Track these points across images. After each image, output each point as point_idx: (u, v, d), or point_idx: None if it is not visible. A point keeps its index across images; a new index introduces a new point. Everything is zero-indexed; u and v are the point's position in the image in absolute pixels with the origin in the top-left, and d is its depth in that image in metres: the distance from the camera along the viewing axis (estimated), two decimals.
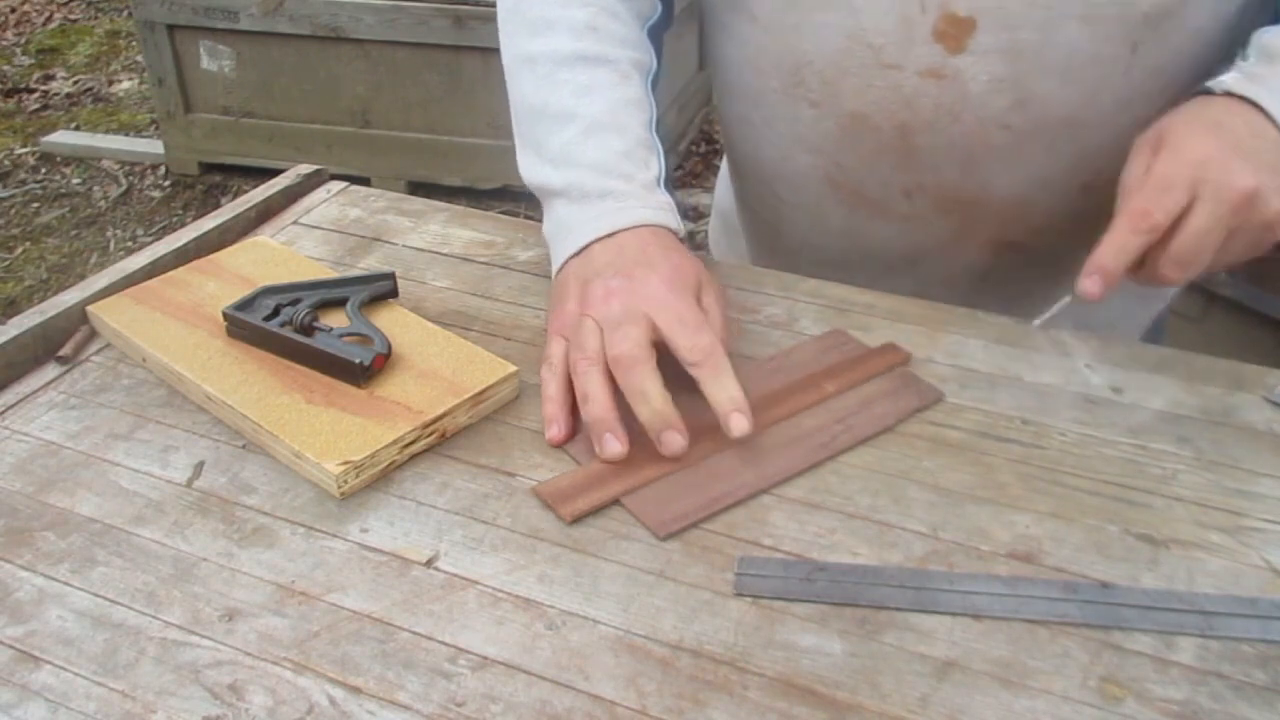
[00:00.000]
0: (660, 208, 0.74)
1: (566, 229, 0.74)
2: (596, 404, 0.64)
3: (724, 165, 1.08)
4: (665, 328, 0.65)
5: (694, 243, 2.79)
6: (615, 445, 0.63)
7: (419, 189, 2.88)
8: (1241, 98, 0.67)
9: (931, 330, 0.77)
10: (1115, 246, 0.64)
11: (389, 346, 0.70)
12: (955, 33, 0.73)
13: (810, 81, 0.79)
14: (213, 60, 2.95)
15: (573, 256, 0.73)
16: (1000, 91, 0.74)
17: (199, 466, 0.65)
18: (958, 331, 0.77)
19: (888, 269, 0.88)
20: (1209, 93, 0.69)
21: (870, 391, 0.71)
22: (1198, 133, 0.65)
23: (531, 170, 0.79)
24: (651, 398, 0.63)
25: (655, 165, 0.77)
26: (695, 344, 0.65)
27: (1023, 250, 0.84)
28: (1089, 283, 0.65)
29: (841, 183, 0.84)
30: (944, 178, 0.80)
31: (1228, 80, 0.69)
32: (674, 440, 0.63)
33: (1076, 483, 0.64)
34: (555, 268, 0.75)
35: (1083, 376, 0.73)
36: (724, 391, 0.64)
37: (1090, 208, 0.78)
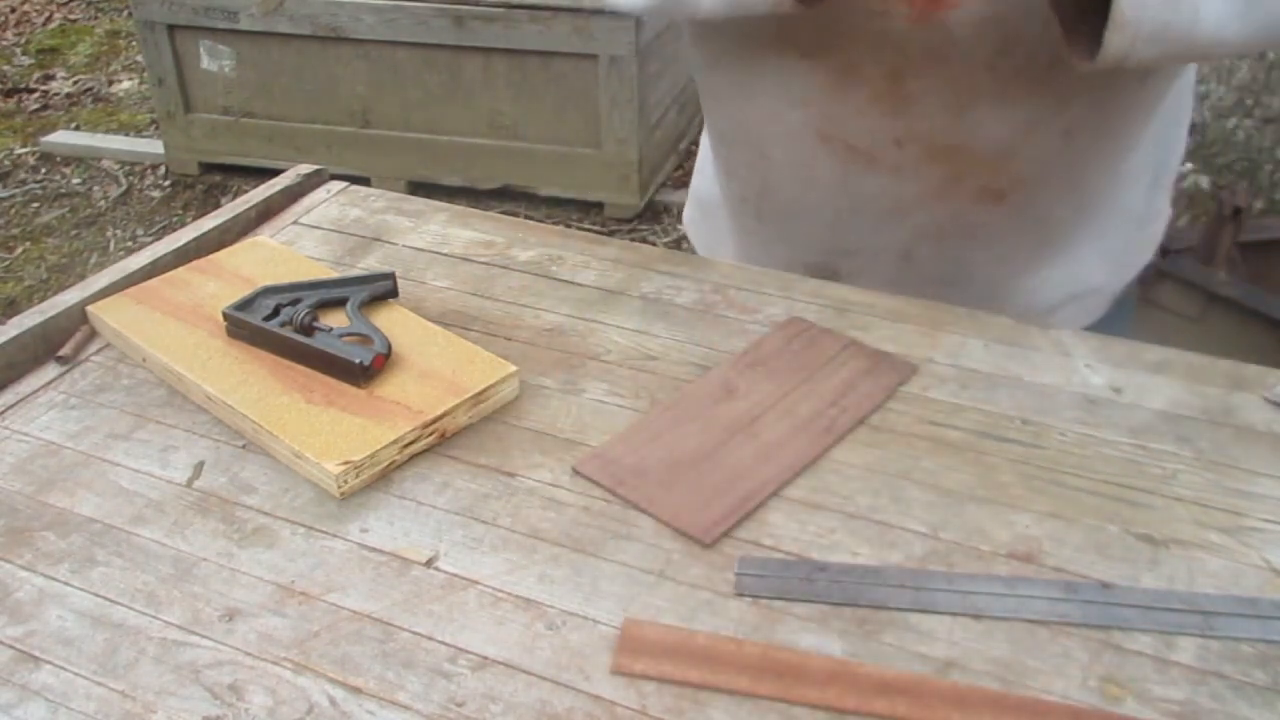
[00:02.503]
0: None
1: None
2: None
3: (702, 151, 1.09)
4: None
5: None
6: None
7: (419, 189, 2.88)
8: None
9: (931, 330, 0.77)
10: None
11: (389, 346, 0.70)
12: None
13: (800, 34, 0.81)
14: (213, 60, 2.95)
15: None
16: (985, 33, 0.76)
17: (199, 466, 0.65)
18: (958, 331, 0.77)
19: (878, 222, 0.89)
20: None
21: (847, 374, 0.72)
22: None
23: None
24: None
25: None
26: None
27: (1006, 200, 0.86)
28: None
29: (831, 135, 0.85)
30: (934, 123, 0.81)
31: None
32: None
33: (1076, 483, 0.64)
34: None
35: (1083, 376, 0.73)
36: None
37: (1071, 154, 0.81)
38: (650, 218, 2.89)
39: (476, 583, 0.57)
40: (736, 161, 0.96)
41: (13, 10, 4.41)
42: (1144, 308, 1.50)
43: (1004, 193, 0.84)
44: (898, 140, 0.82)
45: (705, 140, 1.05)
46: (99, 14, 4.44)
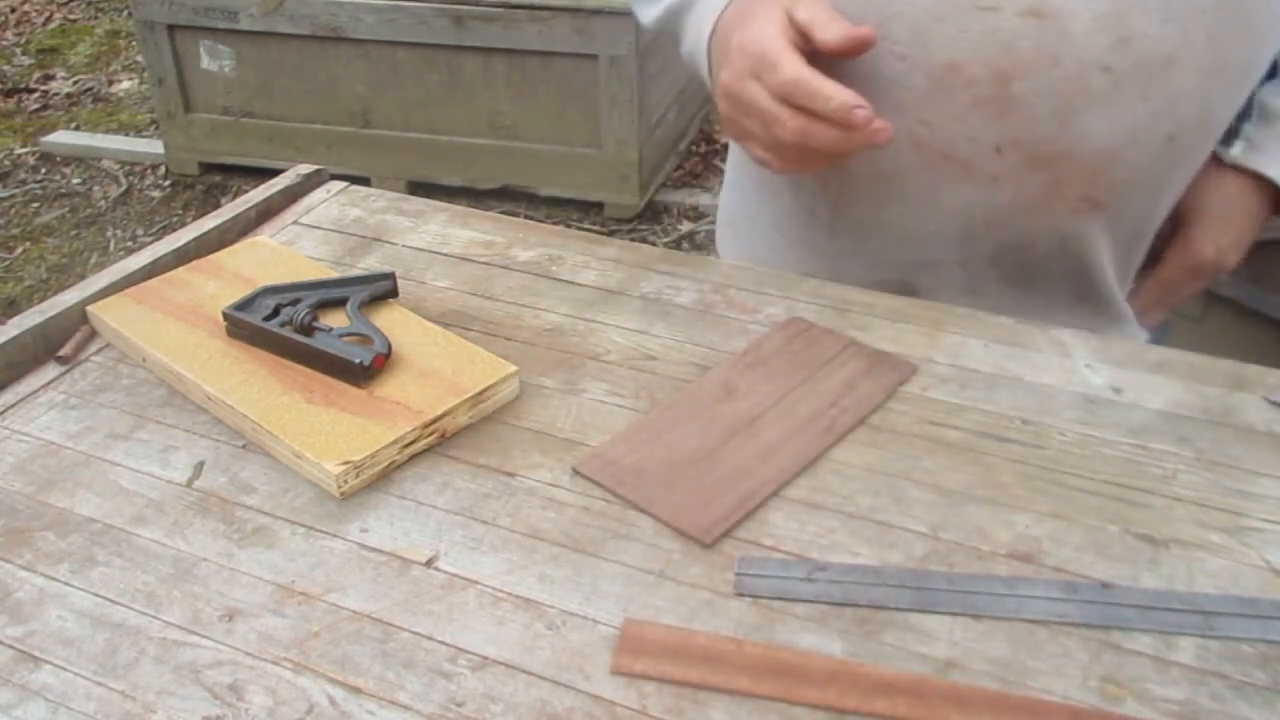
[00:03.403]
0: None
1: (695, 32, 0.81)
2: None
3: (733, 170, 1.05)
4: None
5: (694, 243, 2.79)
6: (861, 109, 0.67)
7: (419, 189, 2.88)
8: (1247, 170, 0.80)
9: (931, 330, 0.77)
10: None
11: (389, 346, 0.70)
12: None
13: (898, 33, 0.76)
14: (213, 60, 2.96)
15: (710, 48, 0.78)
16: (1102, 30, 0.72)
17: (199, 466, 0.65)
18: (958, 331, 0.77)
19: (965, 235, 0.84)
20: (1219, 161, 0.79)
21: (847, 374, 0.72)
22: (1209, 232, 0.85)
23: (650, 11, 0.88)
24: (830, 91, 0.66)
25: None
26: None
27: (1103, 209, 0.82)
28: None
29: (926, 142, 0.80)
30: (1039, 130, 0.77)
31: (1235, 152, 0.80)
32: (864, 113, 0.67)
33: (1076, 483, 0.64)
34: (706, 73, 0.80)
35: (1083, 376, 0.73)
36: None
37: (1170, 162, 0.79)
38: (650, 218, 2.90)
39: (476, 583, 0.57)
40: (797, 181, 0.91)
41: (13, 10, 4.41)
42: None
43: (1101, 201, 0.81)
44: (998, 147, 0.78)
45: (737, 157, 1.01)
46: (99, 14, 4.44)
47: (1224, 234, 0.85)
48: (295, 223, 0.91)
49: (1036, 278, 0.85)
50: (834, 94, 0.66)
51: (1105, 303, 0.87)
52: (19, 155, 3.32)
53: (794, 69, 0.67)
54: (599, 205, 2.88)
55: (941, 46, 0.75)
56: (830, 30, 0.68)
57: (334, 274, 0.79)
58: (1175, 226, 0.87)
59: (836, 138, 0.68)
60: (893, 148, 0.79)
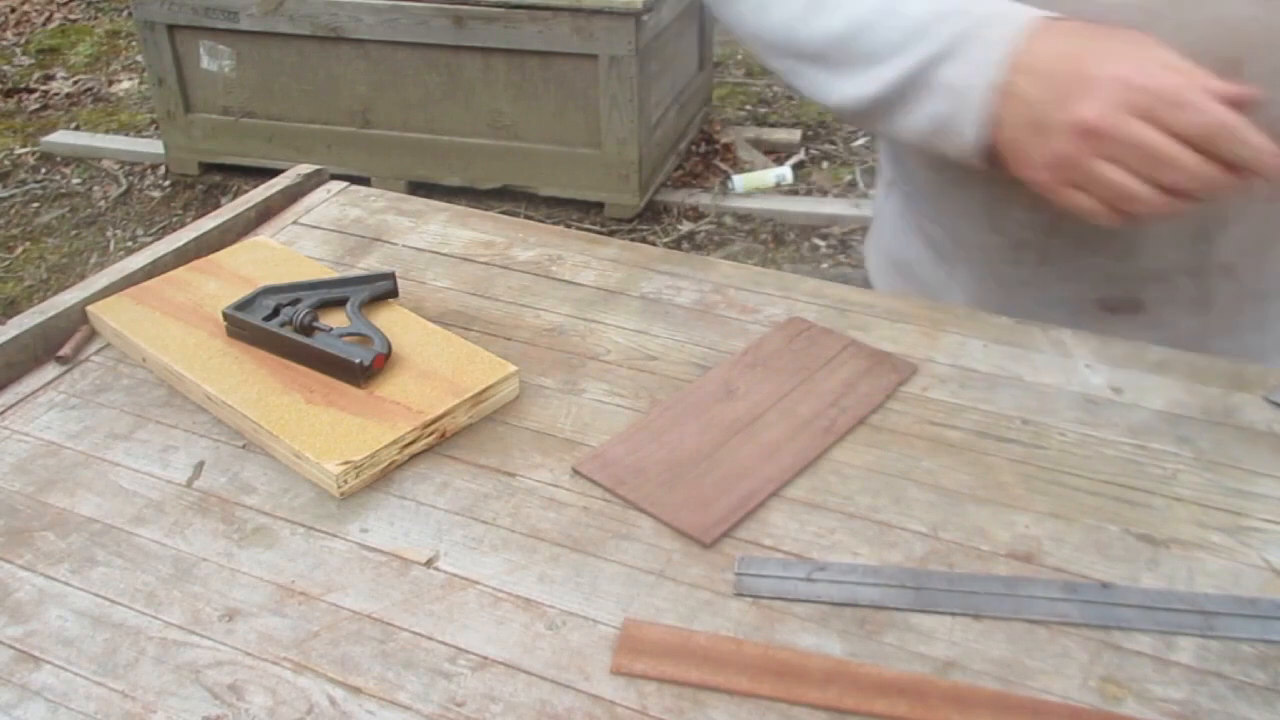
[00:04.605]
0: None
1: (959, 91, 0.69)
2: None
3: (887, 215, 0.97)
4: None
5: (694, 243, 2.79)
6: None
7: (419, 189, 2.88)
8: None
9: (931, 330, 0.77)
10: None
11: (389, 346, 0.70)
12: None
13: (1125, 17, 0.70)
14: (213, 60, 2.96)
15: (994, 109, 0.68)
16: None
17: (199, 466, 0.65)
18: (958, 331, 0.77)
19: (1195, 239, 0.78)
20: None
21: (847, 374, 0.72)
22: None
23: (876, 77, 0.73)
24: (1258, 138, 0.61)
25: None
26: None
27: None
28: None
29: None
30: (1272, 114, 0.68)
31: None
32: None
33: (1076, 483, 0.64)
34: (971, 140, 0.69)
35: (1083, 376, 0.73)
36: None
37: None
38: (650, 218, 2.90)
39: (476, 583, 0.57)
40: (1011, 205, 0.83)
41: (13, 10, 4.41)
42: None
43: None
44: None
45: (894, 206, 0.95)
46: (99, 14, 4.44)
47: None
48: (295, 223, 0.91)
49: (1274, 284, 0.81)
50: (1262, 142, 0.62)
51: None
52: (19, 155, 3.32)
53: (1220, 111, 0.62)
54: (599, 205, 2.88)
55: (1164, 39, 0.69)
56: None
57: (334, 274, 0.79)
58: None
59: (1229, 184, 0.63)
60: None
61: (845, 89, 0.75)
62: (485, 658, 0.53)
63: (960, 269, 0.90)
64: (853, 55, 0.74)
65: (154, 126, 3.40)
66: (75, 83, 3.81)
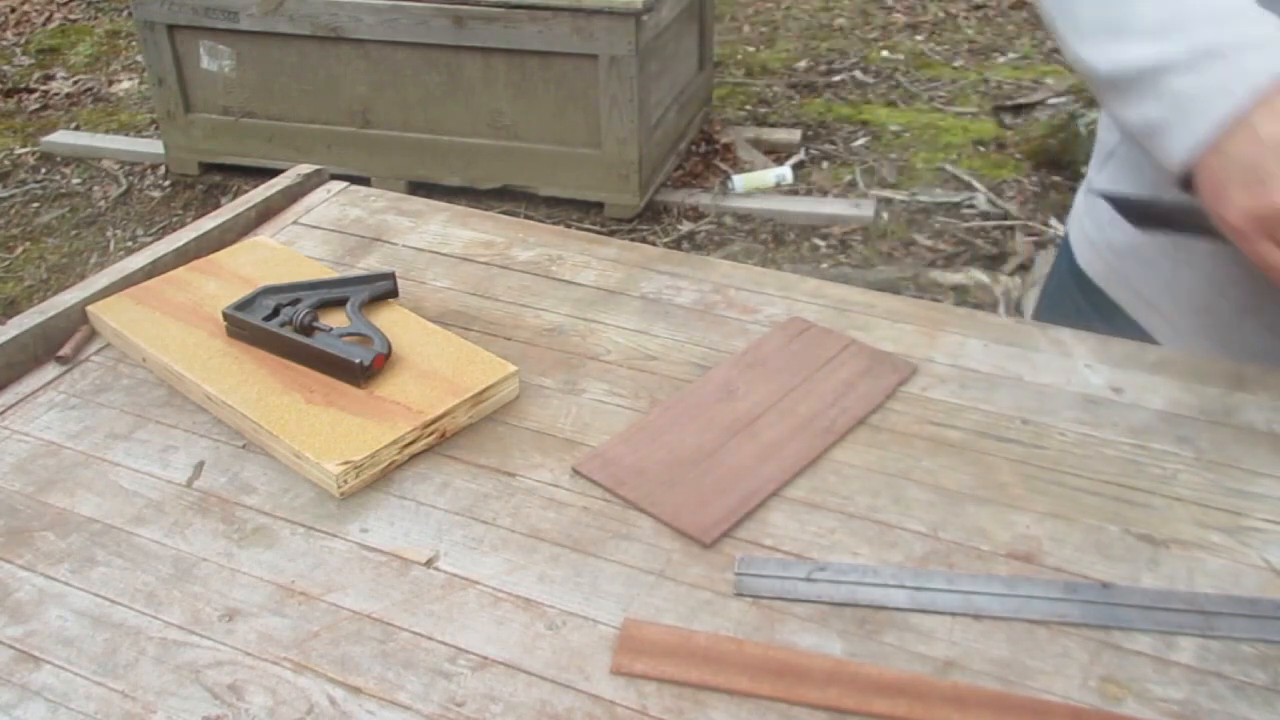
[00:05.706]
0: None
1: (1187, 104, 0.64)
2: None
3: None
4: None
5: (694, 243, 2.79)
6: None
7: (419, 189, 2.88)
8: None
9: (931, 330, 0.77)
10: None
11: (389, 346, 0.70)
12: None
13: None
14: (213, 60, 2.95)
15: (1218, 135, 0.63)
16: None
17: (199, 466, 0.65)
18: (958, 331, 0.77)
19: None
20: None
21: (847, 374, 0.72)
22: None
23: (1113, 55, 0.68)
24: None
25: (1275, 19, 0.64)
26: None
27: None
28: None
29: None
30: None
31: None
32: None
33: (1076, 483, 0.64)
34: (1179, 156, 0.65)
35: (1083, 376, 0.73)
36: None
37: None
38: (650, 218, 2.89)
39: (476, 583, 0.57)
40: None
41: (13, 10, 4.41)
42: None
43: None
44: None
45: (1111, 176, 0.86)
46: (99, 14, 4.44)
47: None
48: (295, 223, 0.91)
49: None
50: None
51: None
52: (19, 155, 3.32)
53: None
54: (599, 205, 2.88)
55: None
56: None
57: (334, 274, 0.79)
58: None
59: None
60: None
61: (1080, 50, 0.71)
62: (485, 658, 0.53)
63: (1183, 272, 0.81)
64: (1109, 18, 0.69)
65: (154, 126, 3.40)
66: (75, 83, 3.81)
